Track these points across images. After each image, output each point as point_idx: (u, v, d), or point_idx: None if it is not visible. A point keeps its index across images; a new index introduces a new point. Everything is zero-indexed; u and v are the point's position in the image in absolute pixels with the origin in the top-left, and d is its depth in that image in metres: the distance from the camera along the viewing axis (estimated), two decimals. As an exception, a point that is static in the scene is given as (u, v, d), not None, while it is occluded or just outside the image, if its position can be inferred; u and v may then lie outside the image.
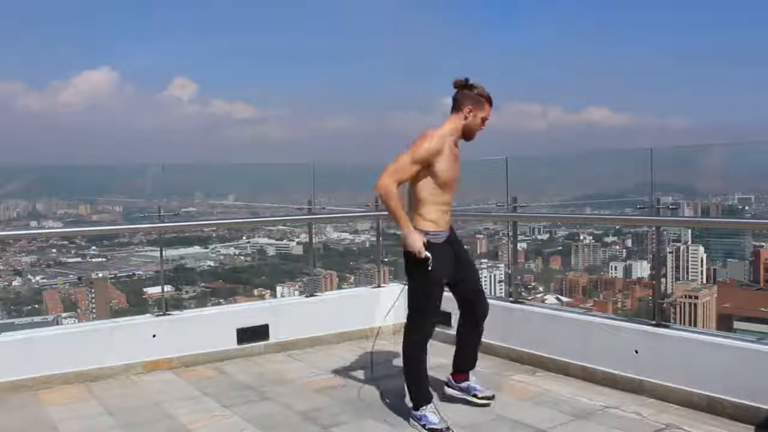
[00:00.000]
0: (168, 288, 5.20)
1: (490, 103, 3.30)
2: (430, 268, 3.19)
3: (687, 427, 3.22)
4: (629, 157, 4.89)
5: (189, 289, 10.44)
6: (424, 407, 3.31)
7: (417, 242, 3.16)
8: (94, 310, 10.52)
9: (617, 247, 12.25)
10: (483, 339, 4.66)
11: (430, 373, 3.91)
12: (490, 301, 4.88)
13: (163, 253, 4.86)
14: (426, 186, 3.22)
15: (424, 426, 3.26)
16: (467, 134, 3.30)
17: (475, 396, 3.64)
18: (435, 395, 3.50)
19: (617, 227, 11.55)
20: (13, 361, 4.00)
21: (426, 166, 3.17)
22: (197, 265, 10.87)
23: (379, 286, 5.47)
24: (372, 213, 5.38)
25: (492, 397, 3.63)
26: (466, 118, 3.27)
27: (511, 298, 4.69)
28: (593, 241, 12.34)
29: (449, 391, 3.72)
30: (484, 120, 3.29)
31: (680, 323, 8.56)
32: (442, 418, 3.29)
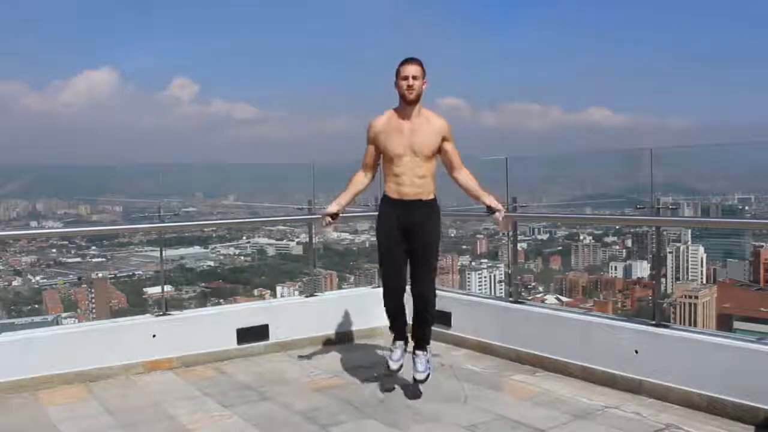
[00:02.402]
0: (168, 288, 5.20)
1: (401, 64, 3.59)
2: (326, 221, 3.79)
3: (687, 427, 3.22)
4: (629, 157, 4.89)
5: (189, 289, 10.44)
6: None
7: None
8: (94, 310, 10.52)
9: (617, 247, 12.24)
10: (483, 339, 4.70)
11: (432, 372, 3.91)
12: (489, 301, 4.93)
13: (163, 253, 4.86)
14: (384, 162, 3.71)
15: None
16: (402, 97, 3.58)
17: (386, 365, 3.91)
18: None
19: (617, 227, 11.55)
20: (13, 361, 3.99)
21: (377, 145, 3.68)
22: (197, 265, 10.88)
23: (378, 286, 5.46)
24: (372, 213, 5.38)
25: (390, 372, 3.87)
26: (397, 88, 3.61)
27: (511, 298, 4.69)
28: (593, 241, 12.34)
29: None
30: (404, 78, 3.55)
31: (680, 323, 8.55)
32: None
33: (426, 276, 3.66)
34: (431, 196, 3.64)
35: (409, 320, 3.83)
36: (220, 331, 4.67)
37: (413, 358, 3.80)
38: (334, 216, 3.73)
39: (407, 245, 3.64)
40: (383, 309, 3.79)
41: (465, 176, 3.74)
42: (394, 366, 3.85)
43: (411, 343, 3.86)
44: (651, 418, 3.35)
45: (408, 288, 3.77)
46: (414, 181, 3.58)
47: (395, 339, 3.88)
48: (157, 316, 4.59)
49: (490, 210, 3.71)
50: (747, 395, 3.22)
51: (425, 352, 3.79)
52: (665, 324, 3.74)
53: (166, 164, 4.88)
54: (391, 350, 3.89)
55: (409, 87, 3.51)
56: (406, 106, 3.58)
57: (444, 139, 3.63)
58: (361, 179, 3.79)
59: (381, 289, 3.78)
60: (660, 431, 3.20)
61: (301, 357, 4.67)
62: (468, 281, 11.38)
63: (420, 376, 3.73)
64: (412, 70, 3.54)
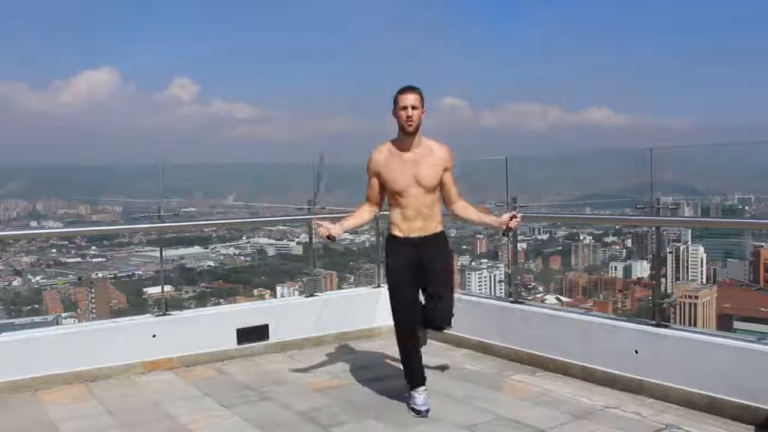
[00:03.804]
0: (168, 288, 5.20)
1: (400, 92, 3.46)
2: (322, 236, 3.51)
3: (687, 427, 3.22)
4: (629, 157, 4.89)
5: (189, 289, 10.45)
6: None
7: (321, 226, 3.52)
8: (94, 310, 10.54)
9: (617, 247, 12.27)
10: (483, 339, 4.70)
11: (429, 373, 3.89)
12: (489, 301, 4.93)
13: (163, 253, 4.86)
14: (389, 195, 3.58)
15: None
16: (401, 128, 3.46)
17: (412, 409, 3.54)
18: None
19: (617, 227, 11.56)
20: (13, 361, 3.99)
21: (380, 180, 3.55)
22: (197, 265, 10.89)
23: (379, 286, 5.47)
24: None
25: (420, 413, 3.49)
26: (396, 118, 3.48)
27: (511, 298, 4.69)
28: (593, 241, 12.36)
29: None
30: (402, 109, 3.41)
31: (680, 323, 8.56)
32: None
33: (448, 313, 3.52)
34: (440, 228, 3.54)
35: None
36: (220, 331, 4.67)
37: (410, 392, 3.57)
38: (332, 238, 3.53)
39: (421, 280, 3.50)
40: (384, 312, 3.73)
41: (463, 207, 3.62)
42: (422, 409, 3.50)
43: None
44: (651, 418, 3.35)
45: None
46: (422, 211, 3.48)
47: (415, 385, 3.57)
48: (157, 316, 4.59)
49: (507, 230, 3.57)
50: (747, 395, 3.22)
51: (424, 387, 3.57)
52: (665, 324, 3.74)
53: (166, 164, 4.86)
54: (412, 396, 3.56)
55: (409, 118, 3.38)
56: (405, 137, 3.45)
57: (445, 169, 3.51)
58: (367, 212, 3.65)
59: (383, 291, 3.72)
60: (660, 431, 3.20)
61: (301, 357, 4.67)
62: (468, 281, 11.40)
63: (422, 408, 3.49)
64: (410, 99, 3.40)
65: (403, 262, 3.49)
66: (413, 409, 3.51)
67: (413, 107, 3.40)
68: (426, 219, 3.50)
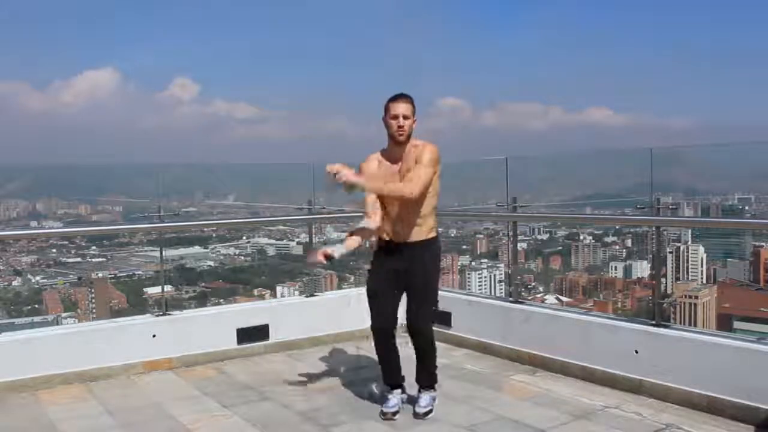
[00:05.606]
0: (168, 288, 5.20)
1: (391, 100, 3.41)
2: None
3: (687, 427, 3.22)
4: (629, 157, 4.89)
5: (189, 289, 10.45)
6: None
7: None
8: (94, 310, 10.53)
9: (617, 247, 12.26)
10: (483, 339, 4.69)
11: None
12: (489, 301, 4.93)
13: (163, 253, 4.86)
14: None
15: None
16: (392, 137, 3.42)
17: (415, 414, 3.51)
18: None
19: (617, 227, 11.57)
20: (13, 361, 3.99)
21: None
22: (197, 265, 10.88)
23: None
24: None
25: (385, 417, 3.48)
26: (386, 127, 3.43)
27: (511, 298, 4.69)
28: (593, 241, 12.36)
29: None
30: (393, 117, 3.36)
31: (680, 323, 8.56)
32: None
33: (423, 314, 3.47)
34: (430, 235, 3.46)
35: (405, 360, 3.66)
36: (220, 331, 4.68)
37: (417, 394, 3.56)
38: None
39: (402, 285, 3.49)
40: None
41: (390, 189, 3.37)
42: (389, 410, 3.49)
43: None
44: (651, 418, 3.35)
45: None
46: (411, 220, 3.42)
47: (390, 388, 3.59)
48: (157, 316, 4.59)
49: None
50: (747, 395, 3.22)
51: (430, 390, 3.57)
52: (665, 324, 3.74)
53: (166, 164, 4.87)
54: (386, 397, 3.57)
55: (400, 128, 3.33)
56: (395, 146, 3.41)
57: (416, 161, 3.34)
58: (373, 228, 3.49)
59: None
60: (660, 431, 3.20)
61: (301, 357, 4.67)
62: (468, 281, 11.39)
63: (421, 410, 3.47)
64: (402, 108, 3.34)
65: (383, 269, 3.50)
66: (381, 411, 3.50)
67: (404, 117, 3.35)
68: (411, 226, 3.43)
